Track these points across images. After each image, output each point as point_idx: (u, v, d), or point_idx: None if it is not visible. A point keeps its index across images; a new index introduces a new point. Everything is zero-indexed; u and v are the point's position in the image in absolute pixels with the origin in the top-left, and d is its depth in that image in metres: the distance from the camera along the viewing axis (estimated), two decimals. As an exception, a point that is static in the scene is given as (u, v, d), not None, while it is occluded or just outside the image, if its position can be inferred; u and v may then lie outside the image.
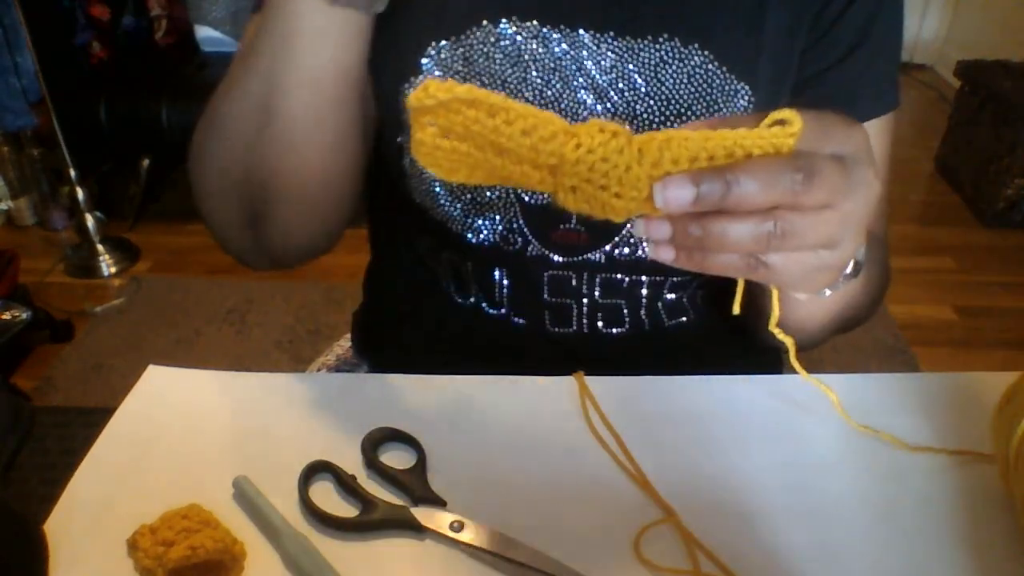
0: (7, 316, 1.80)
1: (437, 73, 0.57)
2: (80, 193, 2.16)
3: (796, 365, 0.50)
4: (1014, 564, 0.47)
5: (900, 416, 0.58)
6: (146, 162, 2.33)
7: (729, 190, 0.34)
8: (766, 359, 0.74)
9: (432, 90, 0.35)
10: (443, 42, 0.57)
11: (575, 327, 0.66)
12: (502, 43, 0.56)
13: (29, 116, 2.08)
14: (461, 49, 0.56)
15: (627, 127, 0.36)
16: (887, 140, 0.63)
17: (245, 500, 0.50)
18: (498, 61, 0.56)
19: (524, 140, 0.35)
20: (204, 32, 2.42)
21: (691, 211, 0.35)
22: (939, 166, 2.75)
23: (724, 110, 0.57)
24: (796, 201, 0.35)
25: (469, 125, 0.35)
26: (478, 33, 0.56)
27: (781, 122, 0.35)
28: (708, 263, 0.37)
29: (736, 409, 0.58)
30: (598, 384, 0.60)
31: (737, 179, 0.34)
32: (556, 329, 0.67)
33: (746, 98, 0.57)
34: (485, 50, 0.56)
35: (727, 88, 0.56)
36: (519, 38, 0.56)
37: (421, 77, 0.57)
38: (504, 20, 0.56)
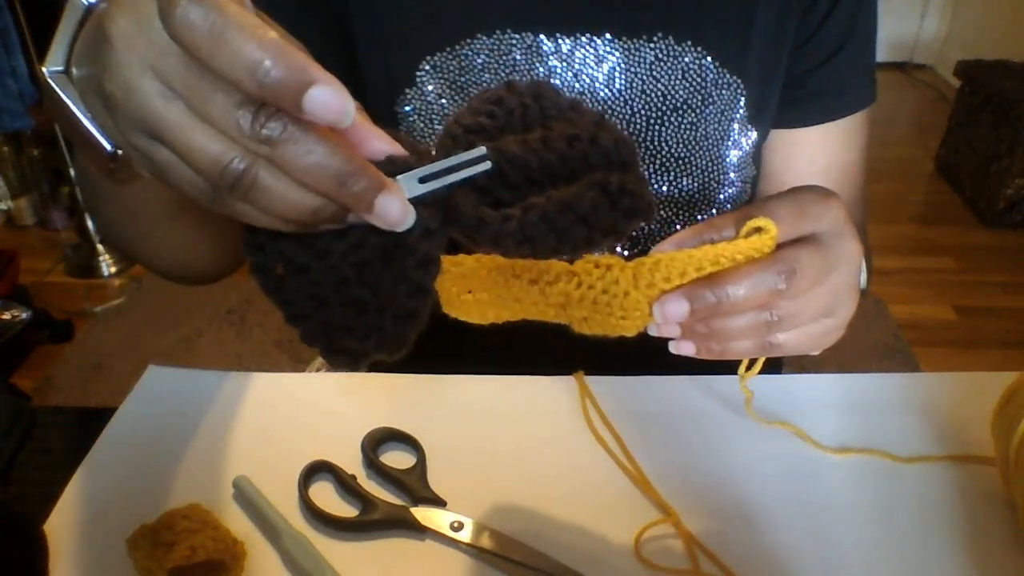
0: (7, 316, 1.80)
1: (430, 87, 0.58)
2: (80, 193, 2.16)
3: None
4: (1015, 565, 0.47)
5: (900, 416, 0.58)
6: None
7: (719, 300, 0.38)
8: (765, 359, 0.74)
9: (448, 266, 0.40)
10: (437, 55, 0.57)
11: None
12: (497, 54, 0.57)
13: (26, 118, 2.08)
14: (456, 60, 0.57)
15: (618, 256, 0.40)
16: (867, 130, 0.66)
17: (245, 500, 0.50)
18: (493, 70, 0.57)
19: (533, 288, 0.40)
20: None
21: (690, 320, 0.39)
22: (939, 166, 2.75)
23: (717, 103, 0.59)
24: (783, 296, 0.39)
25: (483, 280, 0.41)
26: (474, 44, 0.57)
27: (759, 229, 0.39)
28: (725, 352, 0.41)
29: (736, 409, 0.58)
30: (598, 384, 0.60)
31: (725, 290, 0.38)
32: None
33: (738, 91, 0.60)
34: (480, 61, 0.57)
35: (720, 82, 0.59)
36: (515, 48, 0.57)
37: (416, 89, 0.58)
38: (499, 31, 0.56)
